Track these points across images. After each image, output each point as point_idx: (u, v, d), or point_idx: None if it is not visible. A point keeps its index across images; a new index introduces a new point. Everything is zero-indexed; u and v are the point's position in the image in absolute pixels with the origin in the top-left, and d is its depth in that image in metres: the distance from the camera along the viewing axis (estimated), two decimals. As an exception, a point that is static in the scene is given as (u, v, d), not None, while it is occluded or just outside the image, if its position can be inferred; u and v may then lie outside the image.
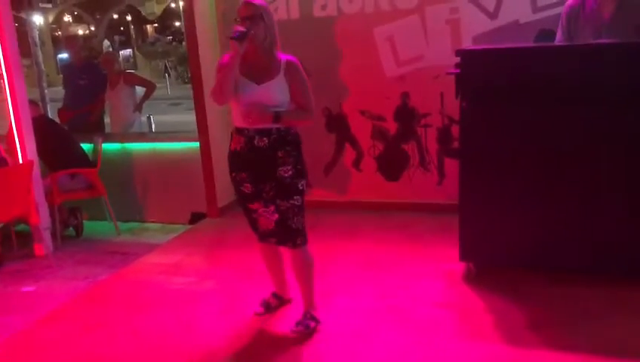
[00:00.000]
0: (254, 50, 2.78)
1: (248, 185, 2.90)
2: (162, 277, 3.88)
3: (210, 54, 4.96)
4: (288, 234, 2.92)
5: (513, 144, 3.20)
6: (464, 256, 3.45)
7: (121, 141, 5.57)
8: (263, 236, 3.04)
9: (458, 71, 3.23)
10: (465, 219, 3.39)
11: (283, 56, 2.85)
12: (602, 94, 3.01)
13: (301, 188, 2.90)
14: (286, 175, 2.84)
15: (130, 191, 5.53)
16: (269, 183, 2.86)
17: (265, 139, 2.81)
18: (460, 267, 3.51)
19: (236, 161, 2.92)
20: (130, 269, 4.10)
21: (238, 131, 2.88)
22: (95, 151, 5.29)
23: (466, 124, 3.29)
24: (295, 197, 2.87)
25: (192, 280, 3.80)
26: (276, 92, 2.79)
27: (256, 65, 2.81)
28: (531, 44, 3.86)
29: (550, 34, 3.91)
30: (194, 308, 3.40)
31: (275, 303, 3.26)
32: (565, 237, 3.21)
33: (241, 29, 2.70)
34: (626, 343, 2.71)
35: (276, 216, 2.90)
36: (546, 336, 2.81)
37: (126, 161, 5.54)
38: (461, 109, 3.27)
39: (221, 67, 2.81)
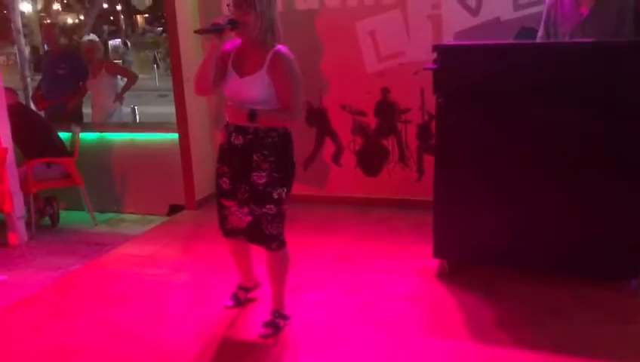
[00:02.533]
0: (248, 39, 2.61)
1: (226, 180, 2.79)
2: (135, 269, 3.84)
3: (192, 45, 4.91)
4: (261, 238, 2.79)
5: (487, 142, 3.19)
6: (437, 252, 3.44)
7: (100, 131, 5.52)
8: (230, 233, 2.93)
9: (435, 67, 3.22)
10: (439, 216, 3.37)
11: (274, 49, 2.60)
12: (578, 93, 2.99)
13: (276, 196, 2.69)
14: (259, 181, 2.67)
15: (108, 181, 5.49)
16: (243, 185, 2.73)
17: (240, 137, 2.67)
18: (434, 264, 3.51)
19: (221, 154, 2.81)
20: (103, 260, 4.06)
21: (226, 125, 2.77)
22: (73, 140, 5.23)
23: (442, 121, 3.27)
24: (268, 206, 2.69)
25: (165, 271, 3.76)
26: (256, 87, 2.59)
27: (246, 57, 2.65)
28: (507, 41, 3.84)
29: (531, 31, 3.92)
30: (165, 300, 3.38)
31: (243, 295, 3.20)
32: (536, 236, 3.20)
33: (217, 21, 2.55)
34: (590, 341, 2.72)
35: (249, 218, 2.77)
36: (513, 334, 2.81)
37: (104, 151, 5.50)
38: (437, 106, 3.25)
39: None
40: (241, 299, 3.20)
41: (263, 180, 2.68)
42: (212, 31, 2.55)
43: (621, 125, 2.97)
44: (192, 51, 4.91)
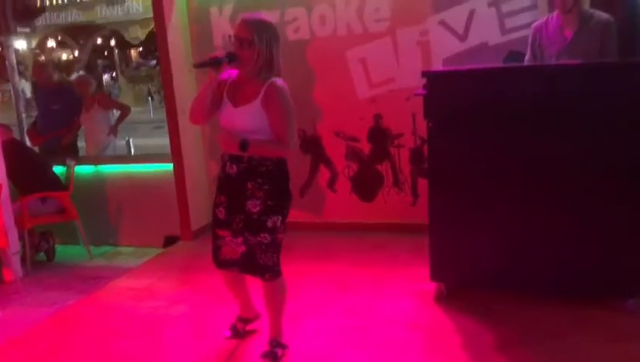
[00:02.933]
0: (243, 72, 2.66)
1: (223, 210, 2.78)
2: (132, 302, 3.82)
3: (184, 77, 4.97)
4: (255, 268, 2.76)
5: (480, 164, 3.21)
6: (434, 276, 3.43)
7: (95, 164, 5.53)
8: (223, 264, 2.88)
9: (425, 92, 3.26)
10: (435, 240, 3.38)
11: (270, 81, 2.63)
12: (566, 113, 3.03)
13: (271, 225, 2.68)
14: (253, 210, 2.67)
15: (103, 214, 5.48)
16: (238, 215, 2.72)
17: (234, 166, 2.70)
18: (432, 287, 3.49)
19: (218, 183, 2.83)
20: (99, 294, 4.04)
21: (222, 154, 2.80)
22: (68, 174, 5.24)
23: (434, 145, 3.30)
24: (262, 235, 2.68)
25: (162, 304, 3.74)
26: (250, 117, 2.62)
27: (241, 87, 2.69)
28: (494, 65, 3.90)
29: (519, 55, 3.99)
30: (162, 333, 3.35)
31: (242, 327, 3.17)
32: (532, 258, 3.20)
33: (215, 55, 2.60)
34: (590, 362, 2.70)
35: (243, 248, 2.75)
36: (513, 357, 2.80)
37: (99, 184, 5.50)
38: (428, 130, 3.29)
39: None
40: (240, 330, 3.16)
41: (257, 208, 2.68)
42: (210, 64, 2.60)
43: (611, 144, 3.00)
44: (186, 84, 4.97)
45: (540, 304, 3.23)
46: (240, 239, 2.75)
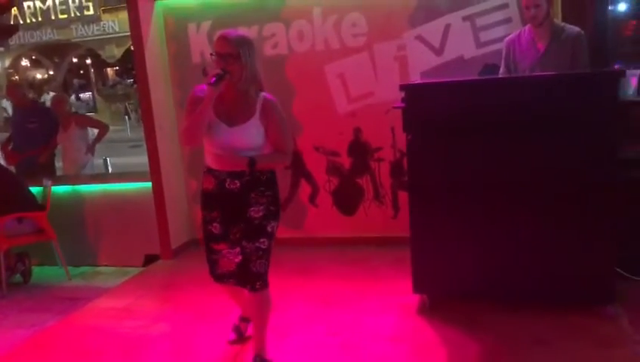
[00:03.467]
0: (229, 88, 2.65)
1: (217, 225, 2.80)
2: (112, 322, 3.75)
3: (163, 96, 4.96)
4: (248, 277, 2.79)
5: (459, 176, 3.25)
6: (417, 288, 3.44)
7: (72, 183, 5.45)
8: (220, 278, 2.92)
9: (404, 105, 3.29)
10: (416, 252, 3.39)
11: (261, 96, 2.70)
12: (539, 125, 3.08)
13: (270, 230, 2.77)
14: (256, 215, 2.74)
15: (81, 234, 5.39)
16: (238, 225, 2.76)
17: (237, 182, 2.72)
18: (415, 300, 3.50)
19: (208, 200, 2.81)
20: (78, 315, 3.96)
21: (210, 171, 2.78)
22: (44, 194, 5.16)
23: (413, 157, 3.33)
24: (261, 240, 2.74)
25: (142, 323, 3.68)
26: (250, 135, 2.67)
27: (231, 106, 2.68)
28: (470, 78, 3.96)
29: (494, 68, 4.06)
30: (143, 353, 3.29)
31: (245, 326, 3.21)
32: (513, 267, 3.24)
33: (218, 71, 2.58)
34: (575, 369, 2.73)
35: (239, 258, 2.78)
36: (498, 366, 2.81)
37: (77, 203, 5.42)
38: (407, 143, 3.31)
39: (191, 104, 2.68)
40: (243, 330, 3.20)
41: (260, 213, 2.75)
42: (217, 82, 2.56)
43: (586, 154, 3.05)
44: (163, 101, 4.95)
45: (523, 313, 3.25)
46: (237, 249, 2.79)
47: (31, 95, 6.58)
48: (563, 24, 3.61)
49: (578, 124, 3.05)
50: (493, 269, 3.27)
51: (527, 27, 3.64)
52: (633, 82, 3.14)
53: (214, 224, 2.81)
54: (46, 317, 4.14)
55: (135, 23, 4.74)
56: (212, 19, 4.84)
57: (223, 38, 2.64)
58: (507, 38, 3.75)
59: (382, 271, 4.15)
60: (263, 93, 2.71)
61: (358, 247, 4.64)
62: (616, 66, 3.58)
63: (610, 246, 3.10)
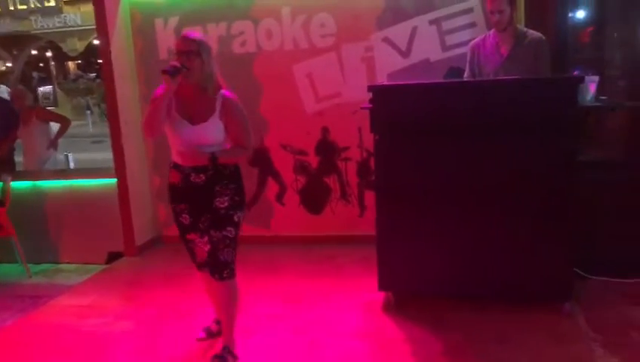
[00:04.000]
0: (190, 87, 2.77)
1: (186, 216, 2.93)
2: (75, 320, 3.69)
3: (129, 91, 4.89)
4: (217, 265, 2.90)
5: (424, 175, 3.31)
6: (382, 286, 3.49)
7: (34, 179, 5.33)
8: (200, 266, 3.03)
9: (371, 106, 3.34)
10: (382, 250, 3.44)
11: (221, 93, 2.80)
12: (502, 126, 3.17)
13: (237, 219, 2.90)
14: (221, 206, 2.86)
15: (42, 231, 5.26)
16: (205, 215, 2.88)
17: (202, 175, 2.84)
18: (380, 297, 3.55)
19: (175, 193, 2.94)
20: (39, 313, 3.89)
21: (175, 166, 2.90)
22: (3, 189, 5.03)
23: (380, 157, 3.38)
24: (228, 228, 2.87)
25: (106, 321, 3.64)
26: (211, 132, 2.79)
27: (192, 104, 2.79)
28: (436, 81, 4.04)
29: (459, 71, 4.14)
30: (106, 351, 3.26)
31: (217, 329, 3.23)
32: (476, 266, 3.32)
33: (175, 64, 2.70)
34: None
35: (208, 246, 2.90)
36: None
37: (38, 199, 5.30)
38: (375, 143, 3.36)
39: (153, 100, 2.78)
40: (214, 331, 3.24)
41: (226, 204, 2.86)
42: (173, 72, 2.67)
43: (546, 157, 3.15)
44: (129, 96, 4.89)
45: (486, 311, 3.34)
46: (206, 238, 2.91)
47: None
48: (526, 29, 3.71)
49: (539, 128, 3.14)
50: (456, 268, 3.35)
51: (491, 32, 3.73)
52: (592, 88, 3.25)
53: (183, 215, 2.94)
54: (5, 315, 4.05)
55: (101, 16, 4.67)
56: (180, 15, 4.80)
57: (185, 37, 2.80)
58: (472, 42, 3.84)
59: (348, 269, 4.20)
60: (223, 91, 2.83)
61: (324, 246, 4.67)
62: (575, 73, 3.71)
63: (569, 246, 3.21)
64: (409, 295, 3.56)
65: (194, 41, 2.76)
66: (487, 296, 3.40)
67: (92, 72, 26.73)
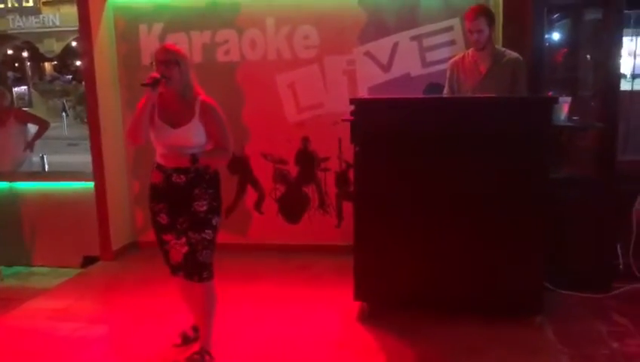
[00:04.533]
0: (170, 94, 2.91)
1: (164, 215, 3.00)
2: (48, 323, 3.66)
3: (110, 95, 4.89)
4: (195, 267, 2.96)
5: (401, 188, 3.39)
6: (358, 295, 3.54)
7: (9, 180, 5.27)
8: (174, 269, 3.08)
9: (352, 118, 3.41)
10: (359, 260, 3.49)
11: (199, 99, 2.94)
12: (479, 142, 3.27)
13: (215, 223, 2.99)
14: (200, 209, 2.94)
15: (15, 233, 5.20)
16: (183, 216, 2.95)
17: (182, 176, 2.94)
18: (356, 307, 3.60)
19: (155, 193, 3.02)
20: (11, 316, 3.84)
21: (158, 167, 3.01)
22: (-22, 190, 4.98)
23: (359, 168, 3.45)
24: (207, 231, 2.95)
25: (80, 325, 3.61)
26: (191, 135, 2.90)
27: (173, 110, 2.92)
28: (415, 96, 4.14)
29: (438, 86, 4.25)
30: (81, 355, 3.24)
31: (193, 335, 3.25)
32: (450, 278, 3.39)
33: (155, 75, 2.83)
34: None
35: (186, 248, 2.96)
36: (433, 372, 2.95)
37: (12, 201, 5.24)
38: (354, 154, 3.43)
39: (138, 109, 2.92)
40: (191, 337, 3.27)
41: (204, 208, 2.95)
42: (153, 83, 2.82)
43: (517, 172, 3.25)
44: (110, 101, 4.89)
45: (458, 322, 3.41)
46: (183, 239, 2.97)
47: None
48: (504, 49, 3.83)
49: (514, 145, 3.24)
50: (430, 280, 3.42)
51: (470, 50, 3.84)
52: (565, 108, 3.38)
53: (161, 215, 3.01)
54: (-25, 318, 3.99)
55: (84, 20, 4.67)
56: (164, 22, 4.83)
57: (164, 48, 2.99)
58: (451, 60, 3.94)
59: (324, 279, 4.25)
60: (201, 97, 2.96)
61: (301, 255, 4.71)
62: (549, 93, 3.83)
63: (539, 260, 3.31)
64: (383, 305, 3.61)
65: (172, 51, 2.94)
66: (460, 308, 3.47)
67: (68, 74, 26.42)
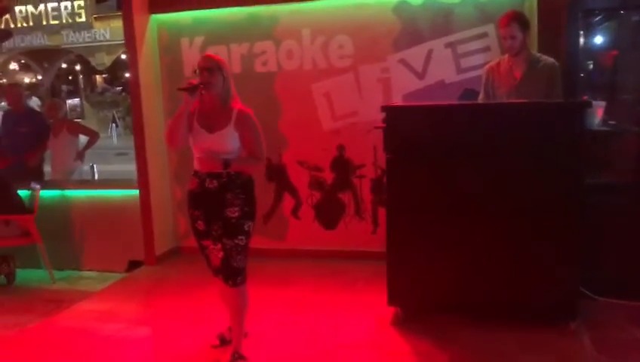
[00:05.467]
0: (211, 100, 3.06)
1: (201, 222, 3.12)
2: (94, 324, 3.85)
3: (154, 105, 5.09)
4: (230, 272, 3.07)
5: (434, 194, 3.42)
6: (392, 301, 3.58)
7: (61, 188, 5.54)
8: (215, 272, 3.19)
9: (384, 125, 3.47)
10: (392, 266, 3.53)
11: (236, 107, 3.07)
12: (512, 149, 3.28)
13: (247, 228, 3.08)
14: (232, 215, 3.03)
15: (66, 239, 5.46)
16: (217, 222, 3.05)
17: (215, 181, 3.05)
18: (390, 312, 3.63)
19: (192, 199, 3.15)
20: (61, 316, 4.06)
21: (195, 173, 3.14)
22: (32, 198, 5.25)
23: (392, 175, 3.50)
24: (240, 237, 3.05)
25: (125, 326, 3.78)
26: (226, 141, 3.02)
27: (211, 115, 3.06)
28: (448, 102, 4.15)
29: (473, 93, 4.26)
30: (125, 354, 3.40)
31: (230, 336, 3.33)
32: (483, 284, 3.40)
33: (193, 81, 3.00)
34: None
35: (221, 253, 3.06)
36: (465, 376, 2.97)
37: (64, 208, 5.50)
38: (387, 161, 3.48)
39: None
40: (227, 339, 3.35)
41: (237, 213, 3.04)
42: (191, 89, 2.98)
43: (554, 179, 3.24)
44: (154, 111, 5.09)
45: (491, 328, 3.40)
46: (219, 245, 3.08)
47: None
48: (539, 55, 3.82)
49: (548, 150, 3.24)
50: (464, 285, 3.43)
51: (506, 56, 3.84)
52: (599, 113, 3.35)
53: (199, 221, 3.13)
54: (29, 317, 4.19)
55: (130, 34, 4.89)
56: (205, 35, 5.01)
57: (208, 57, 3.13)
58: (487, 66, 3.95)
59: (359, 284, 4.30)
60: (239, 106, 3.09)
61: (337, 260, 4.78)
62: (584, 98, 3.79)
63: (574, 266, 3.29)
64: (417, 310, 3.64)
65: (214, 59, 3.08)
66: (493, 314, 3.47)
67: (118, 86, 27.29)
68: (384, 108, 3.48)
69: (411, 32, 4.60)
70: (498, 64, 3.87)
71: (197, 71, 3.04)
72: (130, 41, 4.91)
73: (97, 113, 24.65)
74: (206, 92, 3.03)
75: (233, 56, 4.94)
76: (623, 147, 3.88)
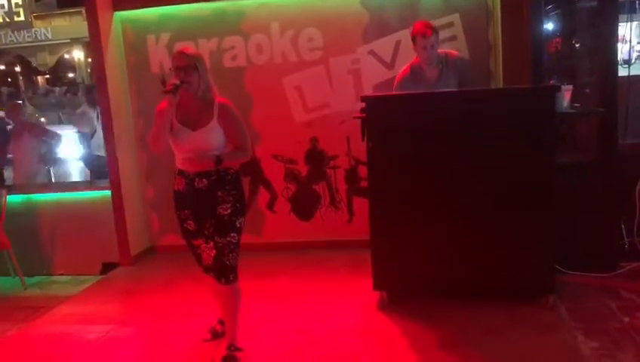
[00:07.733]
0: (189, 97, 2.97)
1: (191, 222, 3.08)
2: (77, 327, 3.79)
3: (122, 104, 5.01)
4: (223, 270, 3.06)
5: (414, 179, 3.53)
6: (377, 285, 3.67)
7: (26, 192, 5.38)
8: (206, 270, 3.17)
9: (364, 115, 3.54)
10: (376, 251, 3.62)
11: (217, 100, 3.00)
12: (487, 134, 3.41)
13: (239, 225, 3.07)
14: (225, 213, 3.02)
15: (34, 243, 5.32)
16: (209, 221, 3.03)
17: (204, 180, 3.00)
18: (375, 297, 3.72)
19: (180, 199, 3.10)
20: (41, 322, 3.97)
21: (180, 173, 3.08)
22: (-1, 204, 5.09)
23: (373, 163, 3.58)
24: (232, 235, 3.03)
25: (109, 327, 3.74)
26: (211, 137, 2.97)
27: (192, 112, 2.98)
28: (422, 91, 4.23)
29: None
30: (115, 354, 3.37)
31: (221, 329, 3.36)
32: (466, 264, 3.53)
33: (175, 81, 2.90)
34: (521, 352, 3.06)
35: (214, 252, 3.04)
36: (455, 353, 3.09)
37: (30, 212, 5.35)
38: (368, 150, 3.56)
39: (157, 115, 2.98)
40: (219, 331, 3.37)
41: (229, 211, 3.02)
42: (173, 90, 2.87)
43: (527, 160, 3.40)
44: (123, 111, 5.01)
45: (475, 306, 3.54)
46: (211, 244, 3.06)
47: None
48: (443, 51, 3.99)
49: (520, 133, 3.39)
50: (446, 267, 3.55)
51: (412, 63, 3.99)
52: (567, 96, 3.53)
53: (188, 221, 3.10)
54: (6, 326, 4.07)
55: (95, 32, 4.79)
56: (171, 32, 4.96)
57: (182, 53, 3.00)
58: (398, 75, 4.07)
59: (340, 273, 4.38)
60: (218, 99, 3.03)
61: (315, 251, 4.84)
62: (551, 82, 3.98)
63: (549, 244, 3.45)
64: (401, 293, 3.75)
65: (190, 56, 2.98)
66: (476, 293, 3.61)
67: (62, 86, 26.45)
68: (364, 99, 3.55)
69: (379, 24, 4.69)
70: (411, 70, 3.99)
71: (171, 70, 2.97)
72: (95, 38, 4.81)
73: (42, 115, 23.83)
74: (183, 91, 2.93)
75: (202, 52, 4.87)
76: (587, 127, 4.10)
